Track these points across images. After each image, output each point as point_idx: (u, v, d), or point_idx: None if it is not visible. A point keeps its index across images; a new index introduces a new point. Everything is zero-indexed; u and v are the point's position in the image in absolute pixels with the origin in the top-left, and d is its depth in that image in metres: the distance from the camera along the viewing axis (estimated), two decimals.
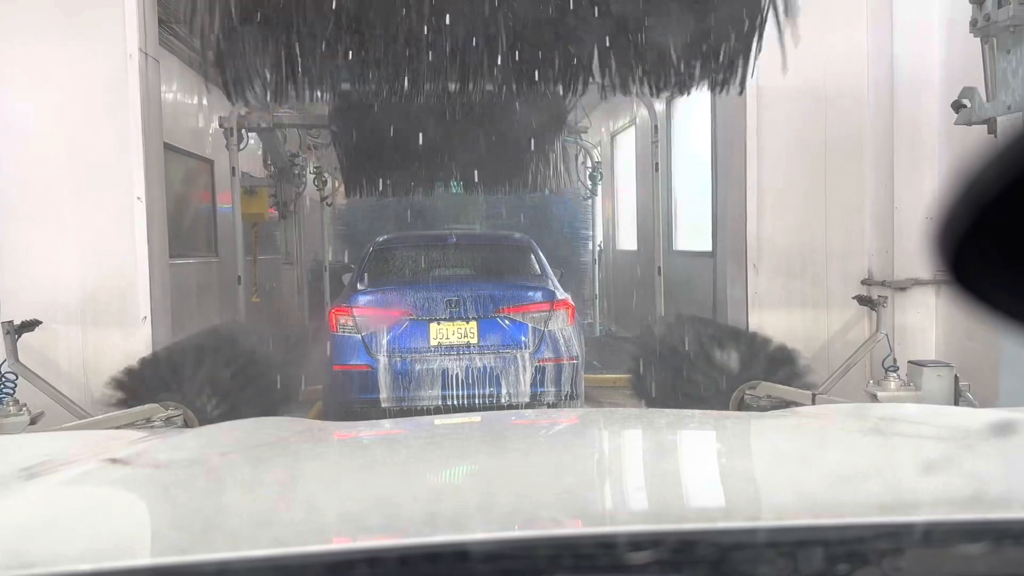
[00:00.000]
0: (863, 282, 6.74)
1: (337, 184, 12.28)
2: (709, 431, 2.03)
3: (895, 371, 5.29)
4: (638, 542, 1.00)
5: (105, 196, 6.21)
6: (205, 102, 10.56)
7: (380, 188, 9.67)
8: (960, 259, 0.77)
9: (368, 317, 6.94)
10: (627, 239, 13.79)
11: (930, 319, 6.54)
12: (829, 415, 2.21)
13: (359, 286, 7.46)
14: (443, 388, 6.76)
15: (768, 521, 1.10)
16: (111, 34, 6.16)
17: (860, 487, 1.28)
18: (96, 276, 6.23)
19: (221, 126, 9.32)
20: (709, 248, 8.98)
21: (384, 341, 6.83)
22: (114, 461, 1.57)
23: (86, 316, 6.22)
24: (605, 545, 1.01)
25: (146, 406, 5.28)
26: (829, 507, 1.16)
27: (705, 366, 6.11)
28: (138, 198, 6.21)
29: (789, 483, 1.43)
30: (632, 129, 13.18)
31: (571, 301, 7.30)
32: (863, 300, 6.32)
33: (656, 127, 9.52)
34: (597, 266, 13.49)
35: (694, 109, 10.02)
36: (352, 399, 6.88)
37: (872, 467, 1.41)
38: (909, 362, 5.45)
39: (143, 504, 1.41)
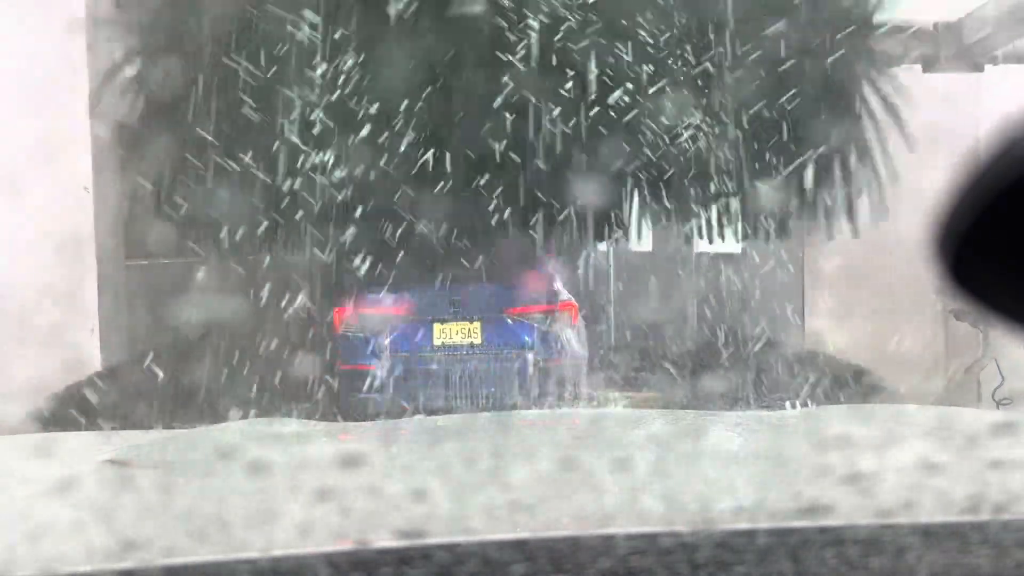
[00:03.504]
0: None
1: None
2: (710, 431, 2.03)
3: (1008, 404, 4.60)
4: (638, 543, 1.00)
5: (48, 186, 5.37)
6: None
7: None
8: (961, 259, 0.77)
9: (371, 317, 6.94)
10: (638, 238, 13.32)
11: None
12: (830, 416, 2.21)
13: None
14: (446, 388, 6.77)
15: (768, 523, 1.10)
16: None
17: (861, 488, 1.28)
18: (33, 280, 5.42)
19: None
20: (734, 250, 8.40)
21: (388, 341, 6.84)
22: (113, 461, 1.57)
23: (23, 327, 5.38)
24: (606, 546, 1.01)
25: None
26: (830, 508, 1.16)
27: (764, 386, 5.69)
28: (85, 188, 5.44)
29: (790, 484, 1.42)
30: None
31: (575, 301, 7.29)
32: (963, 315, 5.34)
33: None
34: (612, 269, 13.09)
35: None
36: (355, 399, 6.89)
37: (872, 468, 1.41)
38: None
39: (142, 504, 1.41)
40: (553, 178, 5.50)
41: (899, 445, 1.73)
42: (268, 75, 5.24)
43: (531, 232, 6.21)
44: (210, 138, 5.14)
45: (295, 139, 5.26)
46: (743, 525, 1.08)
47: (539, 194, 5.61)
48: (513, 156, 5.25)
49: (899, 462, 1.57)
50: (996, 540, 1.03)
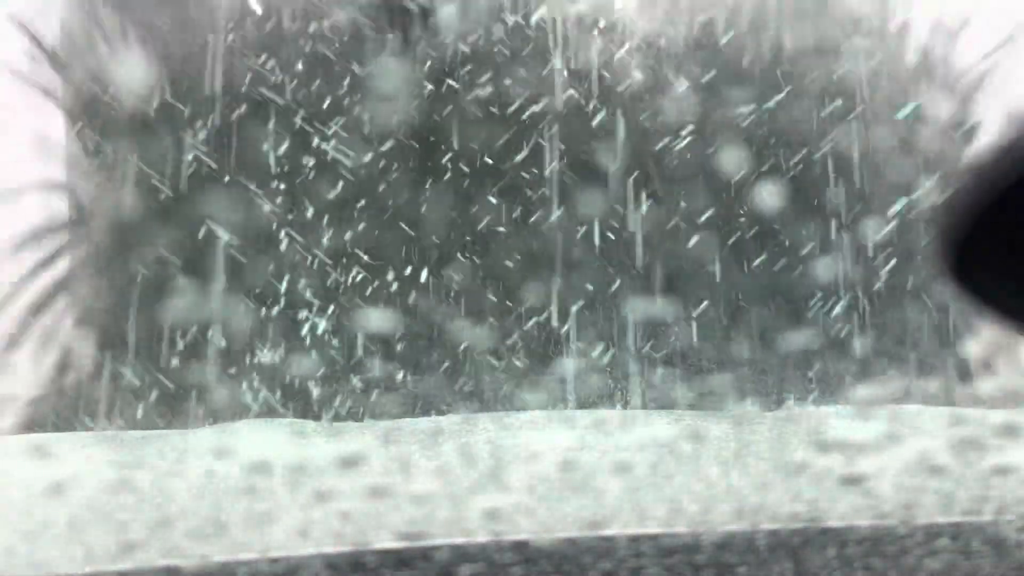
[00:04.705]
0: None
1: None
2: (709, 432, 2.02)
3: None
4: (639, 545, 1.00)
5: (11, 179, 5.49)
6: None
7: None
8: (962, 260, 0.77)
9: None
10: None
11: None
12: (830, 416, 2.21)
13: None
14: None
15: (769, 524, 1.10)
16: None
17: (861, 489, 1.28)
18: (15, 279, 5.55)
19: None
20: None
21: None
22: (112, 462, 1.57)
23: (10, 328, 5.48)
24: (606, 548, 1.01)
25: None
26: (830, 509, 1.16)
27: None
28: (61, 186, 5.59)
29: (790, 484, 1.42)
30: None
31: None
32: None
33: None
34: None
35: None
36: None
37: (873, 468, 1.41)
38: None
39: (143, 504, 1.41)
40: None
41: (899, 445, 1.72)
42: (250, 84, 5.01)
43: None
44: (200, 138, 5.06)
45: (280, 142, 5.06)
46: (743, 526, 1.08)
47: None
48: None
49: (899, 462, 1.57)
50: (997, 541, 1.03)
